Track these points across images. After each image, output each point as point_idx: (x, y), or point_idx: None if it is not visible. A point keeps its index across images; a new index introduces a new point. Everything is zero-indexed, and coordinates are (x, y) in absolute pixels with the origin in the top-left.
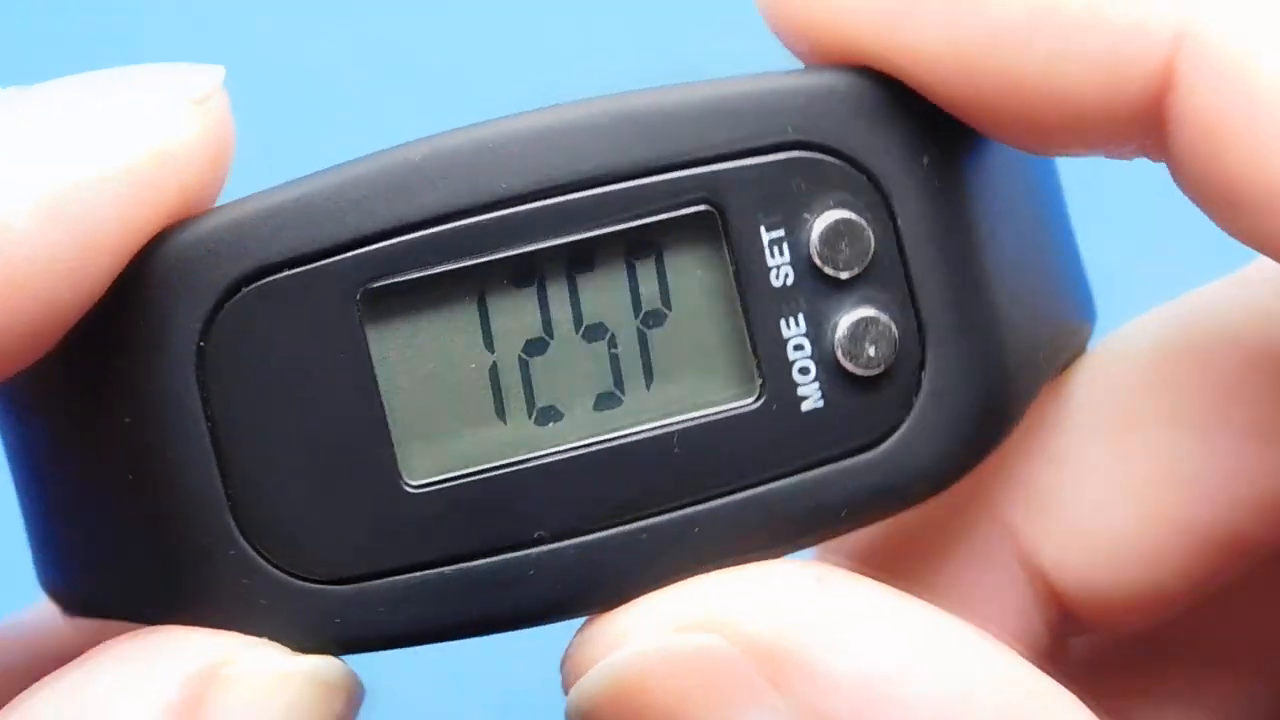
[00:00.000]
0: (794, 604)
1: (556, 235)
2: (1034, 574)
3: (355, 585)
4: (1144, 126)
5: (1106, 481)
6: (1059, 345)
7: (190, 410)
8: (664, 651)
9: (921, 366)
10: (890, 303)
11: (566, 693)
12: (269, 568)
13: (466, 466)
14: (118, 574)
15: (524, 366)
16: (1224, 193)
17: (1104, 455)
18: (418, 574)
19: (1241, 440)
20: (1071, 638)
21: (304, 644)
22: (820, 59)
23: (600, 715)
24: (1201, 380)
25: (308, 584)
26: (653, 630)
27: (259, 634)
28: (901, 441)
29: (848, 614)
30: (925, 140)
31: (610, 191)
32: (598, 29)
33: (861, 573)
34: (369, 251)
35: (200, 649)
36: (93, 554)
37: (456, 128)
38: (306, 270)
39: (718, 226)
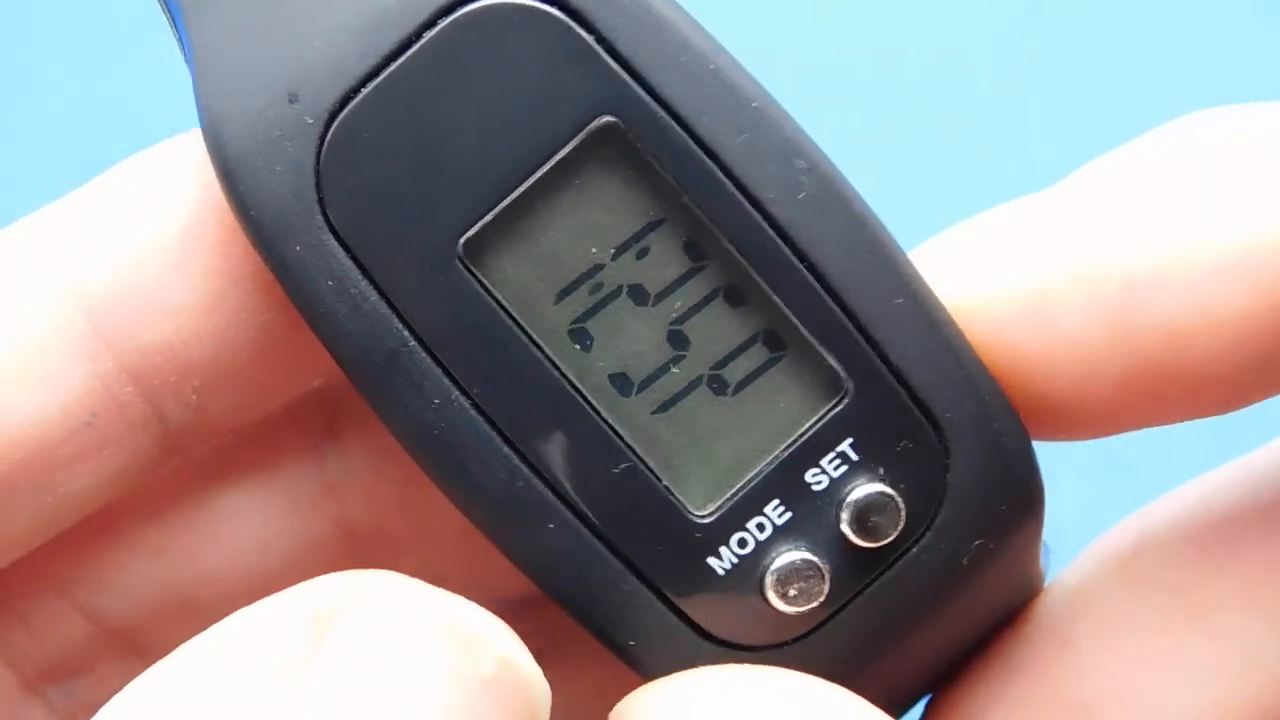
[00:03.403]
0: None
1: (760, 263)
2: None
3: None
4: None
5: (1182, 673)
6: None
7: None
8: None
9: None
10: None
11: None
12: None
13: (505, 288)
14: None
15: (614, 293)
16: None
17: (1177, 646)
18: None
19: None
20: None
21: None
22: None
23: None
24: (1264, 558)
25: None
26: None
27: None
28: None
29: None
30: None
31: (819, 296)
32: None
33: None
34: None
35: (348, 580)
36: None
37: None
38: None
39: (836, 397)
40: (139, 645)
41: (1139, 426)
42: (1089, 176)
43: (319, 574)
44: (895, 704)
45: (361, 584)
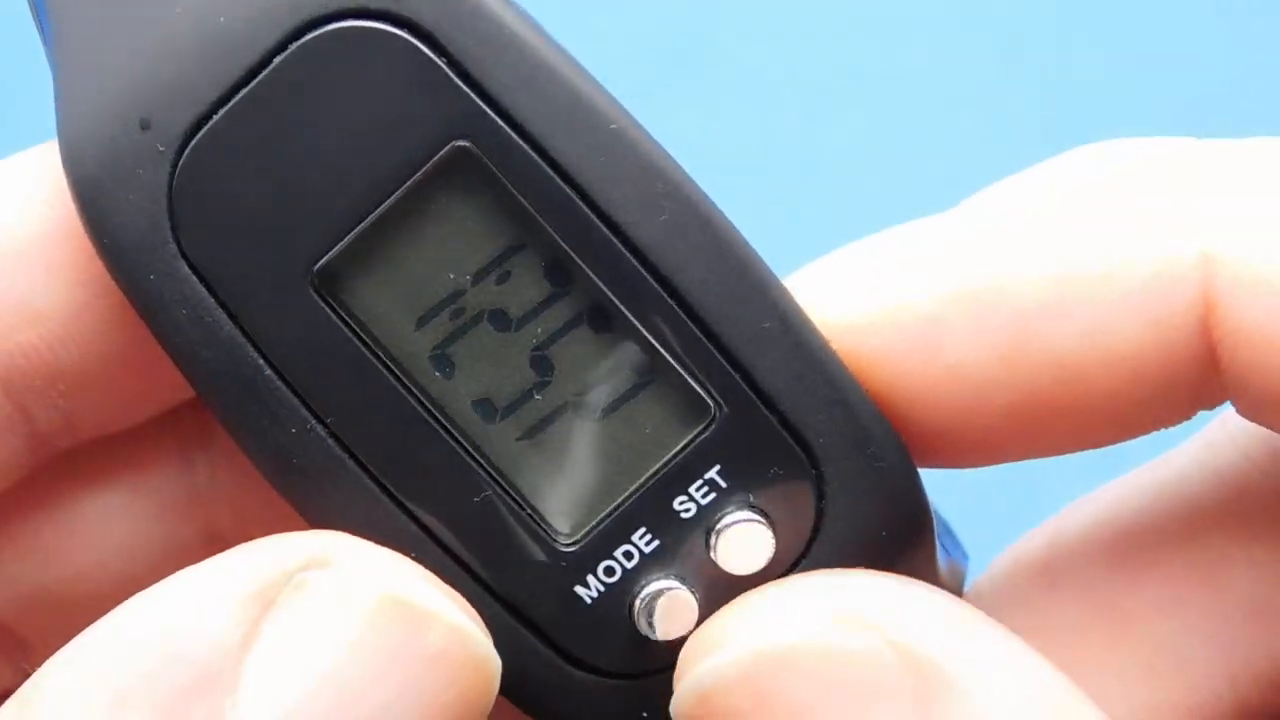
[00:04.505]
0: (949, 626)
1: (621, 288)
2: None
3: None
4: (1197, 365)
5: (1107, 680)
6: None
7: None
8: (824, 641)
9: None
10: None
11: (684, 669)
12: None
13: (362, 315)
14: None
15: (475, 319)
16: None
17: (1100, 654)
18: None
19: (1234, 620)
20: None
21: None
22: None
23: (727, 695)
24: (1184, 562)
25: None
26: (811, 617)
27: None
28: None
29: (995, 655)
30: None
31: (683, 321)
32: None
33: None
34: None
35: (295, 547)
36: None
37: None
38: None
39: (704, 423)
40: (20, 640)
41: (1025, 457)
42: (986, 201)
43: None
44: None
45: (305, 552)
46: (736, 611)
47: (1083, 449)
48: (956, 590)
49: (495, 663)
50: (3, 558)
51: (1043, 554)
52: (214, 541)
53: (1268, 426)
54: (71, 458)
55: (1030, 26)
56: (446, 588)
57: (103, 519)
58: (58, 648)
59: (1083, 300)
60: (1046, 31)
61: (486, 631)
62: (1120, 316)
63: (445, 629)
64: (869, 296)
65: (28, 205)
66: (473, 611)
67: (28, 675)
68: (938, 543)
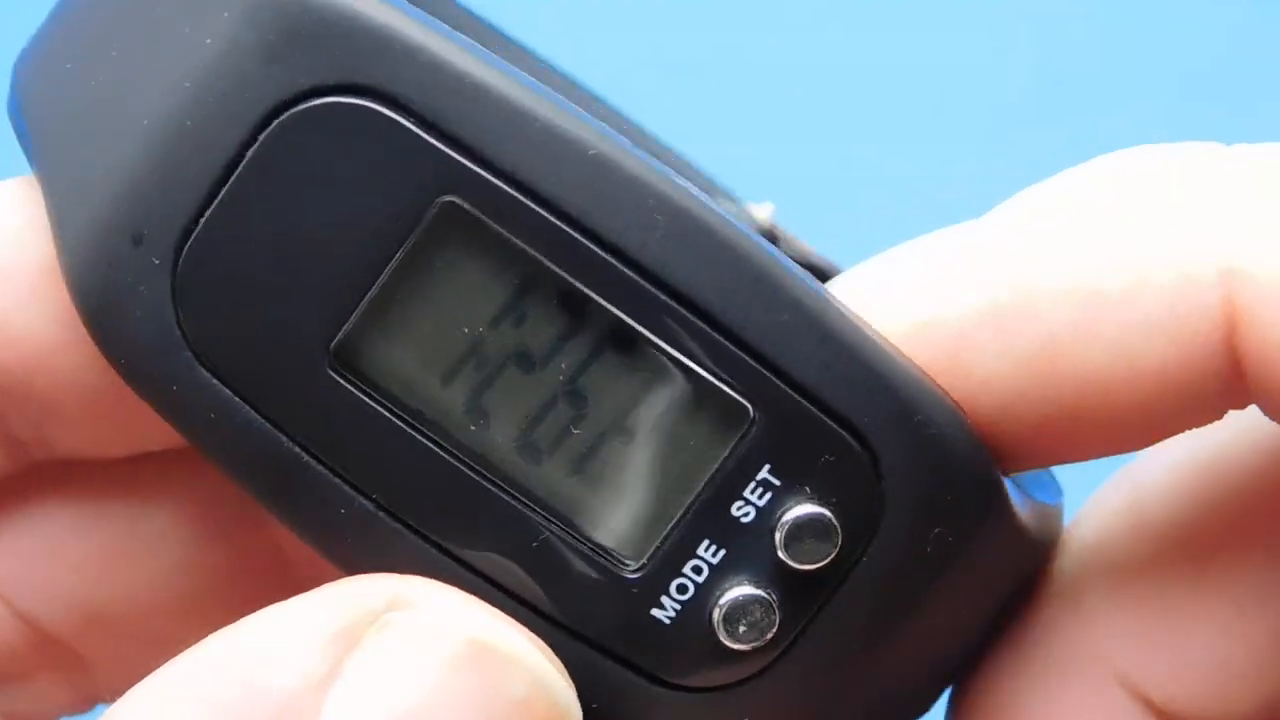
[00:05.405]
0: None
1: (635, 310)
2: (1148, 711)
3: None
4: (1222, 376)
5: (1206, 612)
6: None
7: None
8: None
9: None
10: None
11: None
12: None
13: (387, 384)
14: None
15: (500, 365)
16: None
17: (1188, 592)
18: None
19: None
20: None
21: None
22: None
23: None
24: (1268, 499)
25: None
26: None
27: None
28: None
29: None
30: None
31: (702, 329)
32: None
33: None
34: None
35: (380, 587)
36: None
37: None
38: None
39: (745, 426)
40: (79, 658)
41: (1056, 464)
42: (1010, 211)
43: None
44: (910, 703)
45: (389, 593)
46: None
47: (1114, 454)
48: (1054, 532)
49: (576, 710)
50: (63, 568)
51: (1127, 499)
52: (275, 557)
53: None
54: (128, 473)
55: (1041, 26)
56: (529, 633)
57: (159, 535)
58: (118, 667)
59: (1107, 319)
60: (1058, 31)
61: (569, 679)
62: (1145, 334)
63: (529, 676)
64: (897, 311)
65: (19, 232)
66: (555, 657)
67: (87, 699)
68: (1012, 492)
